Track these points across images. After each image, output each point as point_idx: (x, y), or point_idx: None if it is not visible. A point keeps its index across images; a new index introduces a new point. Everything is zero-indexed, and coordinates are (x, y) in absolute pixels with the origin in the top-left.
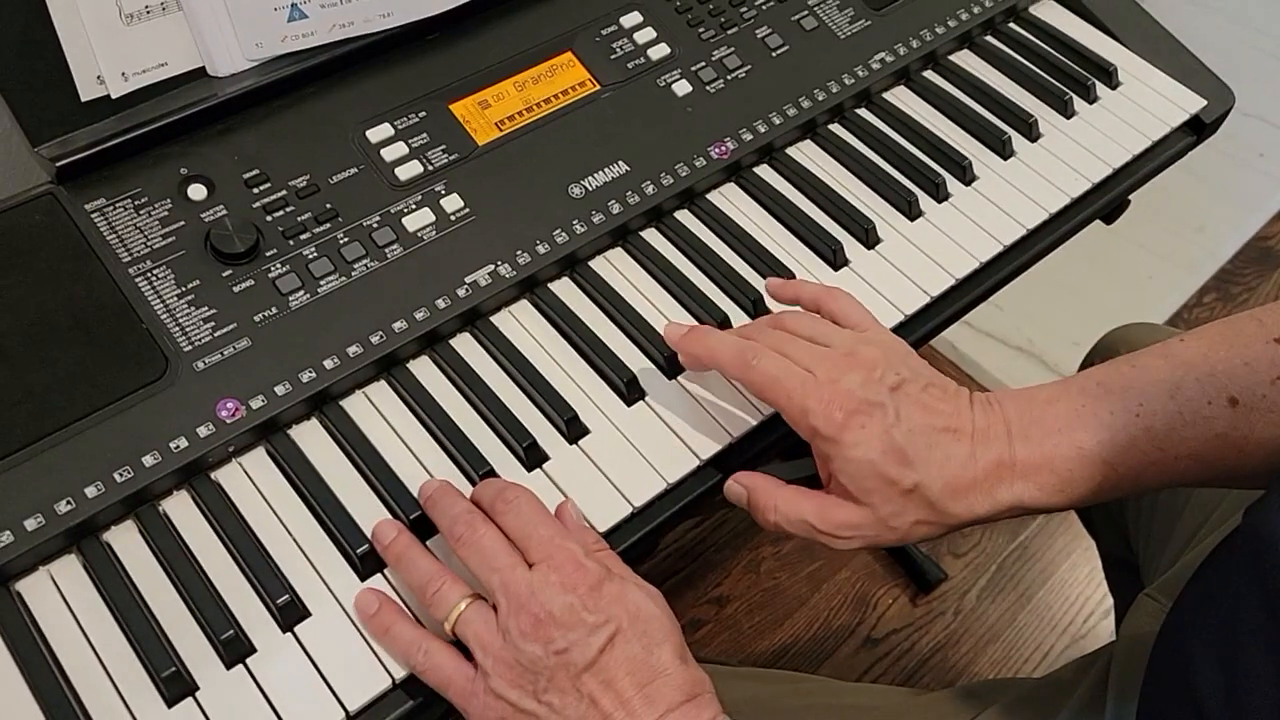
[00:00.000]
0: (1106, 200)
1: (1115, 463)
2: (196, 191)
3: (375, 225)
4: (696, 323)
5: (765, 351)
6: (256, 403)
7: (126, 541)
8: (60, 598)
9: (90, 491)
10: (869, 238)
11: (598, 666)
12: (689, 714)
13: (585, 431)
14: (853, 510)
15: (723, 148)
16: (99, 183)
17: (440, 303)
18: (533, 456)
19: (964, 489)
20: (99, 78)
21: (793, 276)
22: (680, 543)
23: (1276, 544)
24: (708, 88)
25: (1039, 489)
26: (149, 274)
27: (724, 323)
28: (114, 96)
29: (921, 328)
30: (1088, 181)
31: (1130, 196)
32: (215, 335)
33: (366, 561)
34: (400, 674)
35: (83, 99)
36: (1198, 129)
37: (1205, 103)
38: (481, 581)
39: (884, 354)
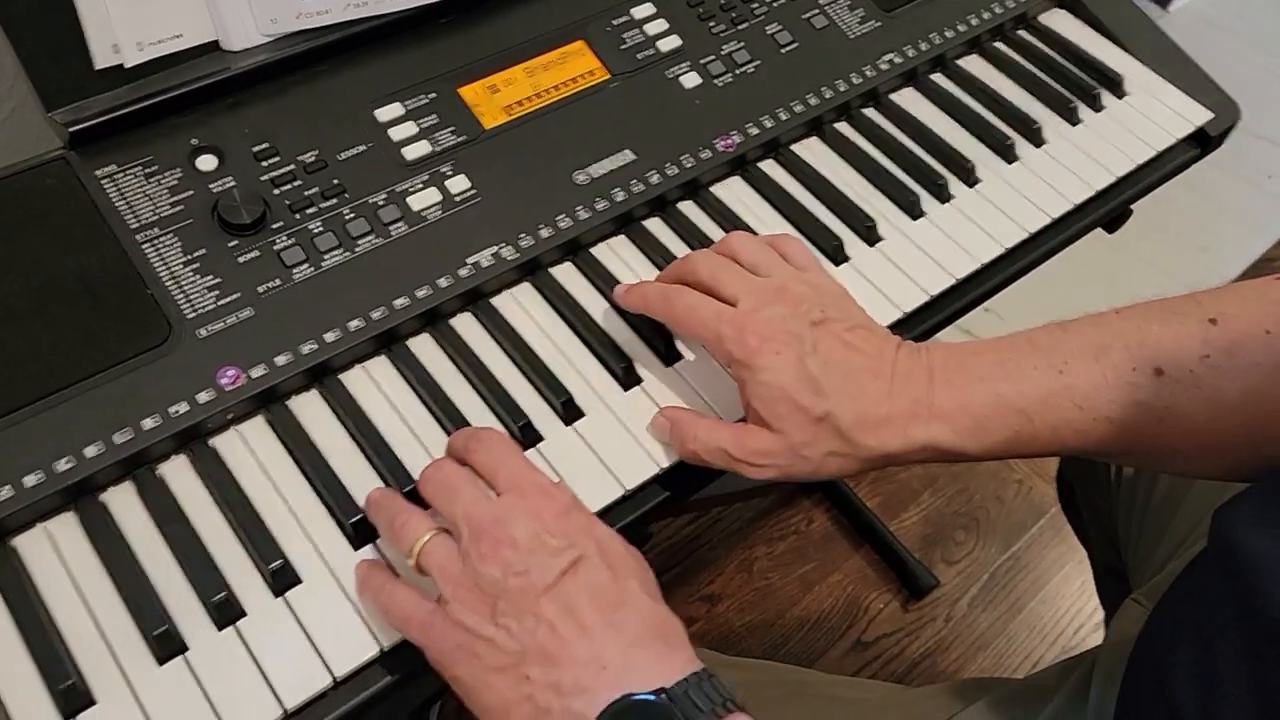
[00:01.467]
0: (1108, 209)
1: (1033, 414)
2: (206, 162)
3: (381, 203)
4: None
5: (683, 289)
6: (257, 372)
7: (123, 502)
8: (56, 555)
9: (90, 451)
10: (870, 235)
11: (558, 589)
12: (659, 654)
13: (581, 414)
14: (767, 437)
15: (728, 141)
16: (110, 150)
17: (442, 282)
18: (528, 436)
19: (877, 423)
20: (114, 46)
21: None
22: (673, 539)
23: (1240, 548)
24: (716, 81)
25: (954, 431)
26: (156, 241)
27: None
28: (128, 66)
29: (919, 326)
30: (1090, 189)
31: (1136, 212)
32: (219, 304)
33: (359, 530)
34: (388, 642)
35: (97, 67)
36: (1203, 142)
37: (1211, 116)
38: (445, 514)
39: (815, 292)
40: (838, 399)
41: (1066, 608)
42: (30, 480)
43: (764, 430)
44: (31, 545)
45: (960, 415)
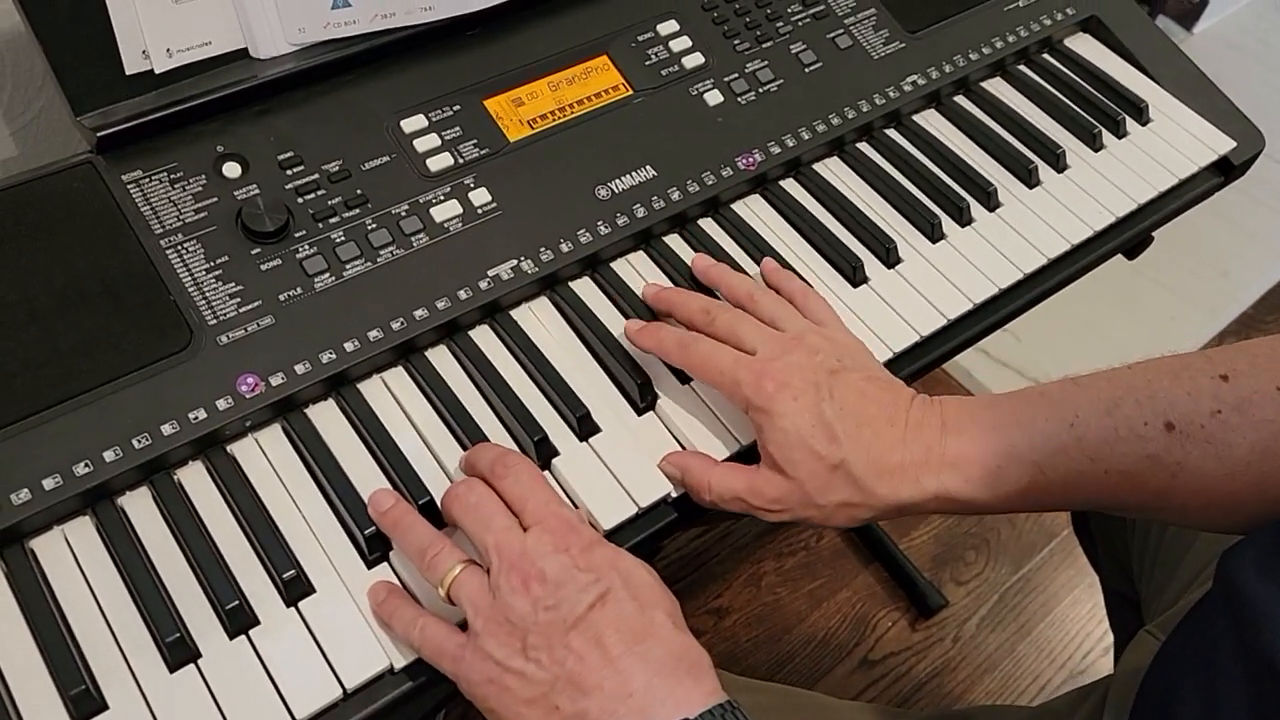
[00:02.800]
0: (1129, 235)
1: (1044, 466)
2: (231, 169)
3: (403, 214)
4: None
5: (701, 338)
6: (276, 380)
7: (140, 507)
8: (72, 558)
9: (108, 456)
10: (890, 257)
11: (586, 623)
12: (684, 684)
13: (596, 429)
14: (781, 483)
15: (750, 159)
16: (137, 155)
17: (462, 294)
18: (543, 451)
19: (890, 471)
20: (144, 52)
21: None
22: (682, 551)
23: (1244, 591)
24: (739, 99)
25: (966, 480)
26: (180, 247)
27: None
28: (157, 72)
29: (937, 350)
30: (1112, 215)
31: (1154, 234)
32: (240, 311)
33: (373, 543)
34: (399, 656)
35: (127, 72)
36: (1226, 170)
37: (1235, 144)
38: (475, 543)
39: (831, 344)
40: (852, 446)
41: (1075, 631)
42: (49, 483)
43: (779, 475)
44: (48, 548)
45: (972, 465)
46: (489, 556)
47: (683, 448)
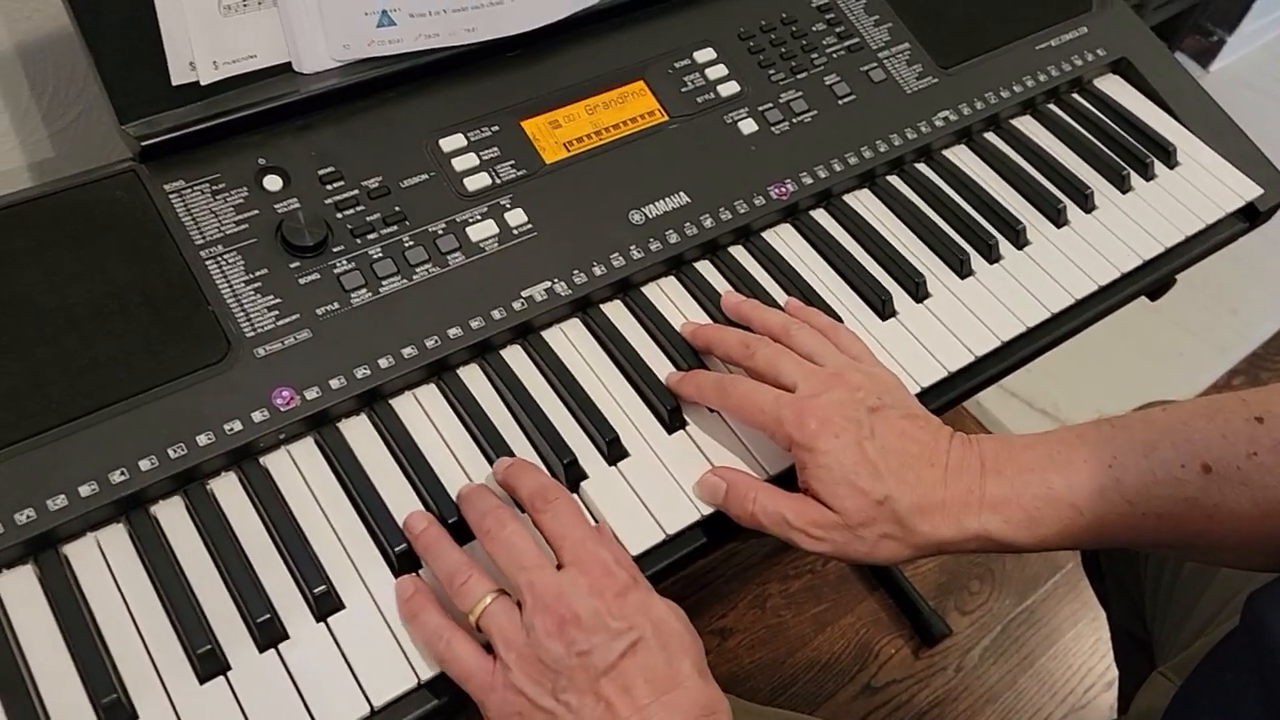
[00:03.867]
0: (1154, 278)
1: (1083, 508)
2: (272, 182)
3: (440, 232)
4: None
5: (739, 378)
6: (311, 394)
7: (173, 517)
8: (105, 565)
9: (144, 464)
10: (919, 291)
11: (617, 671)
12: None
13: (625, 454)
14: (826, 512)
15: (782, 189)
16: (180, 165)
17: (495, 313)
18: (572, 474)
19: (932, 509)
20: (191, 64)
21: (840, 322)
22: (688, 570)
23: (1274, 630)
24: (773, 128)
25: (1005, 522)
26: (219, 258)
27: None
28: (203, 83)
29: (962, 385)
30: (1139, 258)
31: (1177, 276)
32: (278, 324)
33: (403, 560)
34: (426, 674)
35: (173, 83)
36: (1251, 216)
37: (1261, 191)
38: (508, 578)
39: (871, 380)
40: (896, 484)
41: (1078, 665)
42: (85, 490)
43: (824, 506)
44: (82, 554)
45: (1012, 506)
46: (522, 594)
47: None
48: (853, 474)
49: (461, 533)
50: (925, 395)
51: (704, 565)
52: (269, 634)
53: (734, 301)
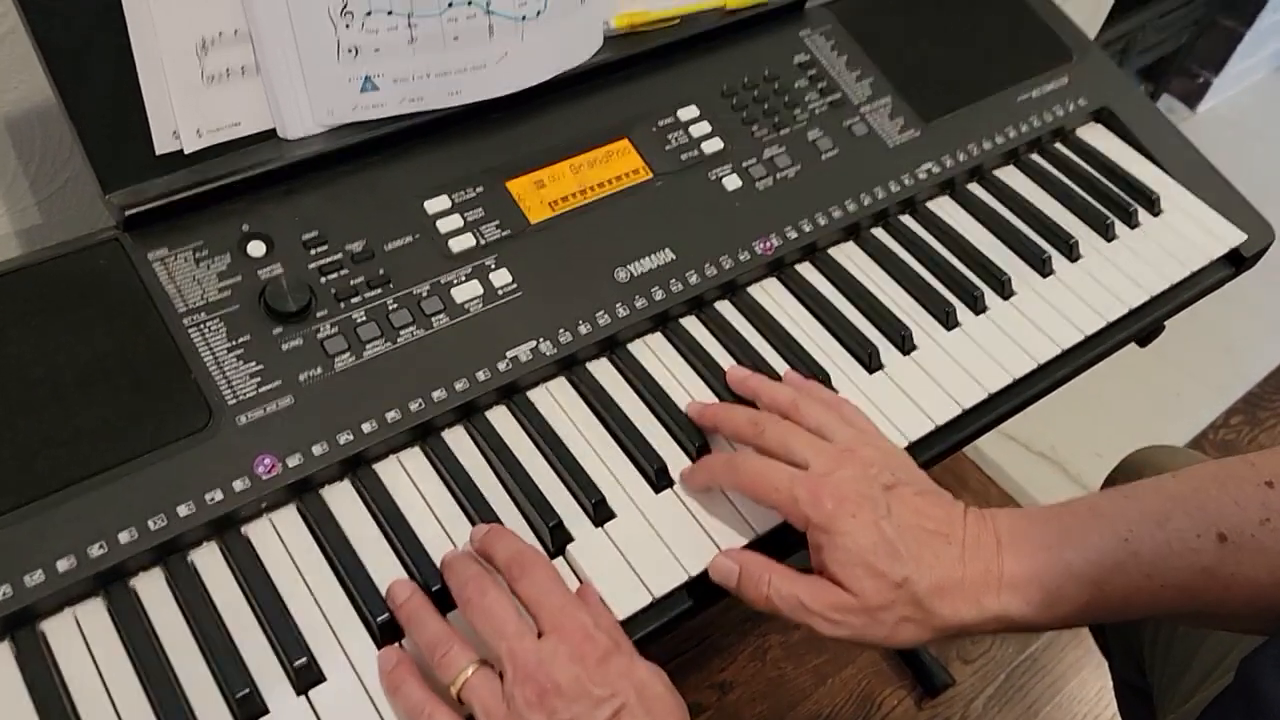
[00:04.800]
0: (1142, 325)
1: (1102, 584)
2: (256, 248)
3: (425, 294)
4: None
5: (749, 455)
6: (293, 461)
7: (153, 590)
8: (83, 642)
9: (124, 537)
10: (905, 344)
11: None
12: None
13: (611, 515)
14: (844, 595)
15: (767, 244)
16: (163, 233)
17: (480, 375)
18: (558, 537)
19: (951, 590)
20: (175, 133)
21: (827, 377)
22: (690, 621)
23: (1267, 695)
24: (757, 184)
25: (1025, 602)
26: (202, 325)
27: None
28: (187, 152)
29: (951, 438)
30: (1124, 306)
31: (1165, 323)
32: (260, 391)
33: (385, 630)
34: None
35: (157, 152)
36: (1236, 262)
37: (1246, 237)
38: (489, 647)
39: (883, 456)
40: (915, 565)
41: (1083, 714)
42: (63, 565)
43: (841, 588)
44: (59, 630)
45: (1031, 587)
46: (503, 664)
47: (703, 529)
48: (871, 555)
49: (446, 600)
50: (914, 448)
51: (702, 619)
52: (248, 709)
53: (740, 376)
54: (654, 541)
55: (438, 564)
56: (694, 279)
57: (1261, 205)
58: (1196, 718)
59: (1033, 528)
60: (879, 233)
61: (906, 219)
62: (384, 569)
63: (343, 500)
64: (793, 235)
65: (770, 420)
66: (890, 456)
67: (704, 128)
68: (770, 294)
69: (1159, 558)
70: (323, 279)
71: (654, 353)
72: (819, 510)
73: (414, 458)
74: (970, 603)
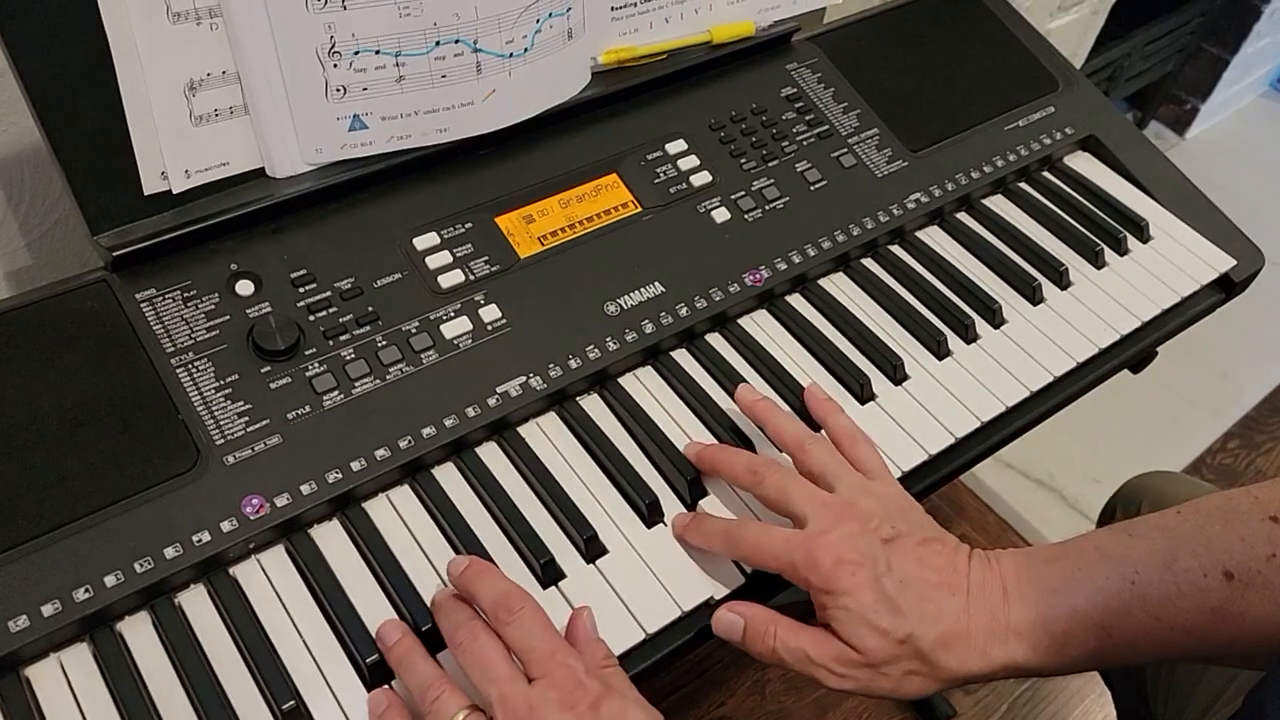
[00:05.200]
0: (1134, 352)
1: (1110, 628)
2: (244, 287)
3: (414, 330)
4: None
5: (746, 523)
6: (281, 500)
7: (139, 633)
8: (68, 688)
9: (109, 580)
10: (897, 374)
11: None
12: None
13: (604, 551)
14: (848, 649)
15: (757, 275)
16: (151, 273)
17: (470, 411)
18: (549, 573)
19: (957, 641)
20: (163, 173)
21: None
22: (685, 657)
23: None
24: (746, 216)
25: (1033, 649)
26: (190, 365)
27: (747, 448)
28: (175, 192)
29: (945, 467)
30: (1116, 333)
31: (1158, 348)
32: (248, 430)
33: (374, 671)
34: None
35: (145, 193)
36: (1227, 287)
37: (1235, 262)
38: (479, 692)
39: (882, 506)
40: (918, 620)
41: None
42: (48, 609)
43: (845, 645)
44: (44, 677)
45: (1039, 633)
46: (493, 709)
47: (696, 564)
48: (872, 613)
49: (436, 639)
50: (907, 478)
51: (700, 652)
52: None
53: (750, 400)
54: (647, 577)
55: (428, 603)
56: (684, 311)
57: (1251, 230)
58: None
59: (1038, 571)
60: (869, 263)
61: (896, 249)
62: (373, 609)
63: (332, 540)
64: (782, 266)
65: (768, 469)
66: (890, 505)
67: (692, 161)
68: (761, 325)
69: (1166, 599)
70: (311, 317)
71: (645, 386)
72: (818, 573)
73: (404, 496)
74: (977, 654)
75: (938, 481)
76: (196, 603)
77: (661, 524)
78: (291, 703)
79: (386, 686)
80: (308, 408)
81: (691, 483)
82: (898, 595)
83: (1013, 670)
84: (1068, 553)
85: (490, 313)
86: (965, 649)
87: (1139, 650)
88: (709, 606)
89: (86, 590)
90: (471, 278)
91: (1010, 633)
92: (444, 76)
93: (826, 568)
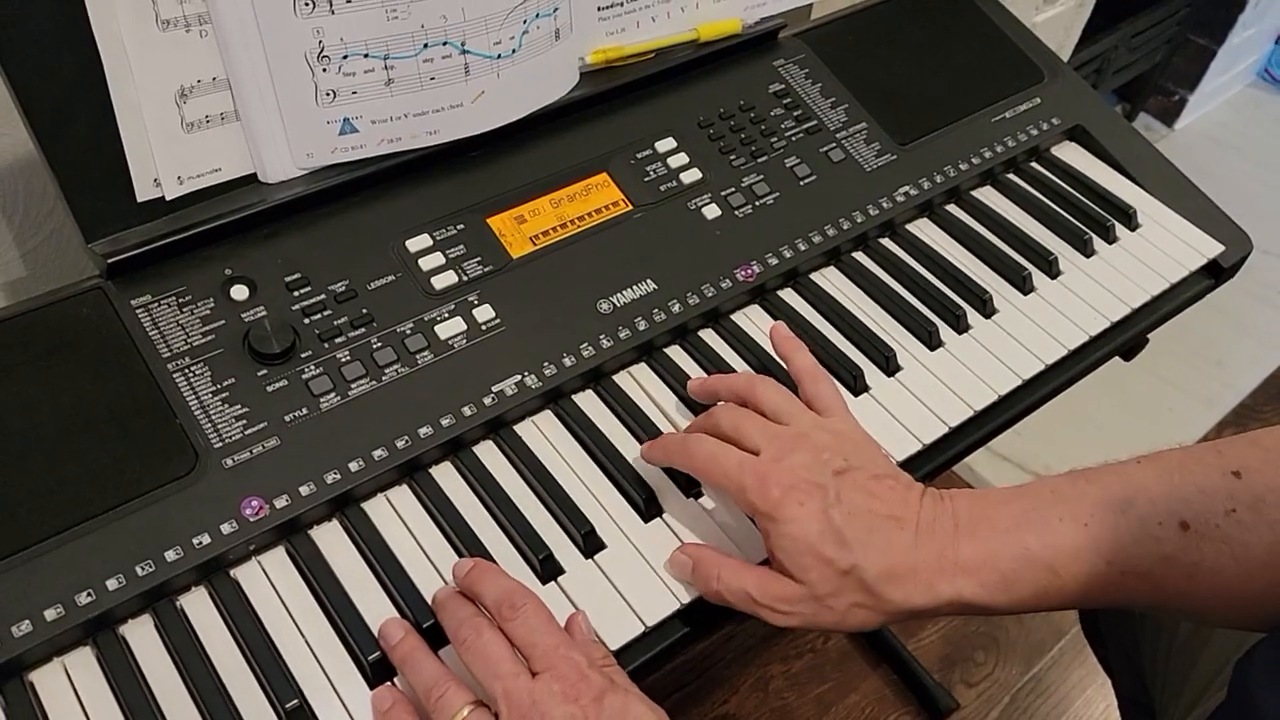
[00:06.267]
0: (1125, 339)
1: (1059, 569)
2: (239, 292)
3: (408, 332)
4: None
5: (705, 439)
6: (280, 502)
7: (142, 636)
8: (72, 691)
9: (111, 584)
10: (889, 365)
11: None
12: None
13: (601, 546)
14: (791, 585)
15: (748, 270)
16: (146, 279)
17: (466, 410)
18: (548, 569)
19: (902, 576)
20: (156, 180)
21: None
22: (688, 656)
23: (1256, 700)
24: (736, 212)
25: (980, 585)
26: (187, 370)
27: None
28: (168, 198)
29: (940, 456)
30: (1106, 320)
31: (1149, 335)
32: (246, 433)
33: (377, 669)
34: None
35: (138, 200)
36: (1216, 273)
37: (1223, 248)
38: (484, 688)
39: (837, 440)
40: (863, 551)
41: None
42: (50, 614)
43: (789, 579)
44: (48, 681)
45: (986, 570)
46: (498, 704)
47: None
48: (818, 543)
49: (438, 636)
50: (903, 468)
51: (703, 650)
52: None
53: (697, 385)
54: (645, 571)
55: (428, 601)
56: (676, 308)
57: (1242, 218)
58: None
59: (991, 509)
60: (859, 256)
61: (886, 241)
62: (375, 607)
63: (332, 540)
64: (773, 261)
65: (724, 407)
66: (844, 440)
67: (682, 158)
68: (753, 320)
69: (1119, 545)
70: (306, 320)
71: (639, 383)
72: (766, 498)
73: (402, 495)
74: (923, 587)
75: (932, 471)
76: (198, 605)
77: (659, 518)
78: (295, 701)
79: (390, 684)
80: (305, 410)
81: (687, 476)
82: (844, 526)
83: (958, 606)
84: (1023, 494)
85: (484, 313)
86: (911, 583)
87: (1090, 594)
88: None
89: (89, 594)
90: (465, 278)
91: (958, 569)
92: (433, 79)
93: (775, 495)
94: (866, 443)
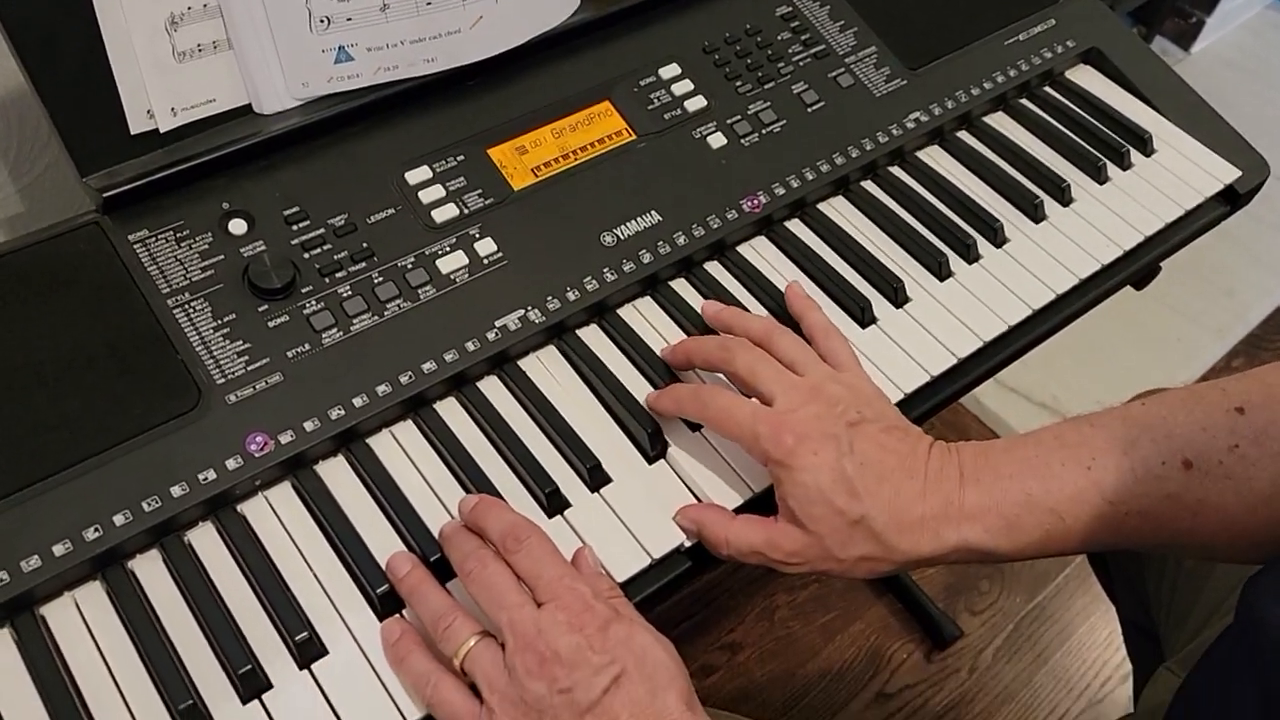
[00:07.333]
0: (1137, 267)
1: (1064, 513)
2: (237, 226)
3: (409, 266)
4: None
5: (717, 390)
6: (285, 438)
7: (150, 571)
8: (83, 623)
9: (119, 520)
10: (898, 296)
11: (600, 707)
12: None
13: (607, 480)
14: (800, 537)
15: (755, 201)
16: (143, 214)
17: (470, 345)
18: (554, 503)
19: (910, 526)
20: (149, 112)
21: None
22: (694, 587)
23: (1264, 620)
24: (742, 141)
25: (985, 531)
26: (187, 306)
27: None
28: (162, 131)
29: (948, 388)
30: (1119, 248)
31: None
32: (248, 369)
33: (385, 601)
34: (414, 717)
35: (132, 132)
36: (1232, 199)
37: (1240, 173)
38: (490, 618)
39: (850, 393)
40: (873, 501)
41: (1093, 659)
42: (59, 549)
43: (798, 529)
44: (58, 614)
45: (991, 515)
46: (503, 634)
47: (695, 496)
48: (830, 493)
49: (445, 569)
50: (909, 401)
51: (709, 580)
52: (252, 685)
53: (714, 310)
54: (650, 504)
55: (435, 534)
56: (681, 240)
57: (1258, 142)
58: (1202, 655)
59: (995, 456)
60: (868, 185)
61: (896, 170)
62: (381, 541)
63: (337, 475)
64: (780, 191)
65: (740, 346)
66: (858, 394)
67: (686, 86)
68: (759, 251)
69: (1122, 485)
70: (306, 254)
71: (644, 316)
72: (780, 447)
73: (407, 430)
74: (930, 536)
75: (941, 402)
76: (206, 540)
77: (665, 451)
78: (305, 634)
79: (398, 615)
80: (307, 345)
81: None
82: (856, 477)
83: (964, 552)
84: (1026, 442)
85: (486, 246)
86: (919, 532)
87: (1093, 534)
88: None
89: (96, 530)
90: (465, 211)
91: (963, 515)
92: (429, 4)
93: (789, 443)
94: (878, 397)
